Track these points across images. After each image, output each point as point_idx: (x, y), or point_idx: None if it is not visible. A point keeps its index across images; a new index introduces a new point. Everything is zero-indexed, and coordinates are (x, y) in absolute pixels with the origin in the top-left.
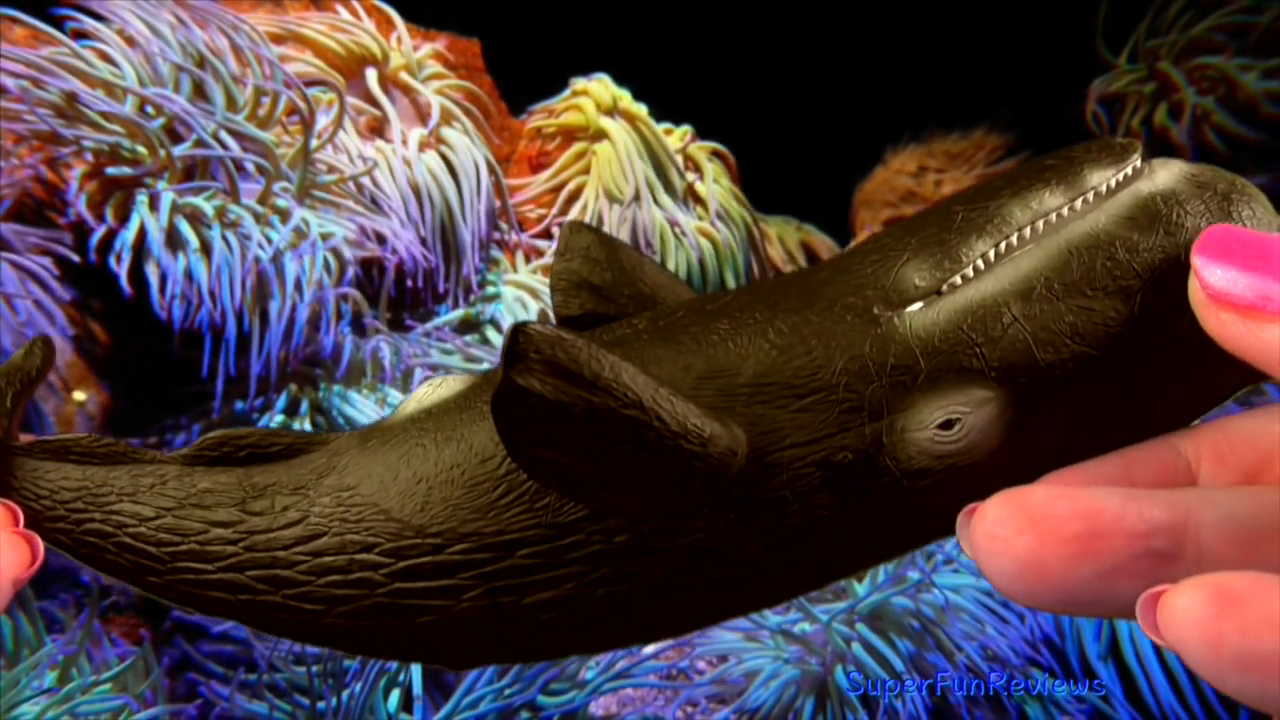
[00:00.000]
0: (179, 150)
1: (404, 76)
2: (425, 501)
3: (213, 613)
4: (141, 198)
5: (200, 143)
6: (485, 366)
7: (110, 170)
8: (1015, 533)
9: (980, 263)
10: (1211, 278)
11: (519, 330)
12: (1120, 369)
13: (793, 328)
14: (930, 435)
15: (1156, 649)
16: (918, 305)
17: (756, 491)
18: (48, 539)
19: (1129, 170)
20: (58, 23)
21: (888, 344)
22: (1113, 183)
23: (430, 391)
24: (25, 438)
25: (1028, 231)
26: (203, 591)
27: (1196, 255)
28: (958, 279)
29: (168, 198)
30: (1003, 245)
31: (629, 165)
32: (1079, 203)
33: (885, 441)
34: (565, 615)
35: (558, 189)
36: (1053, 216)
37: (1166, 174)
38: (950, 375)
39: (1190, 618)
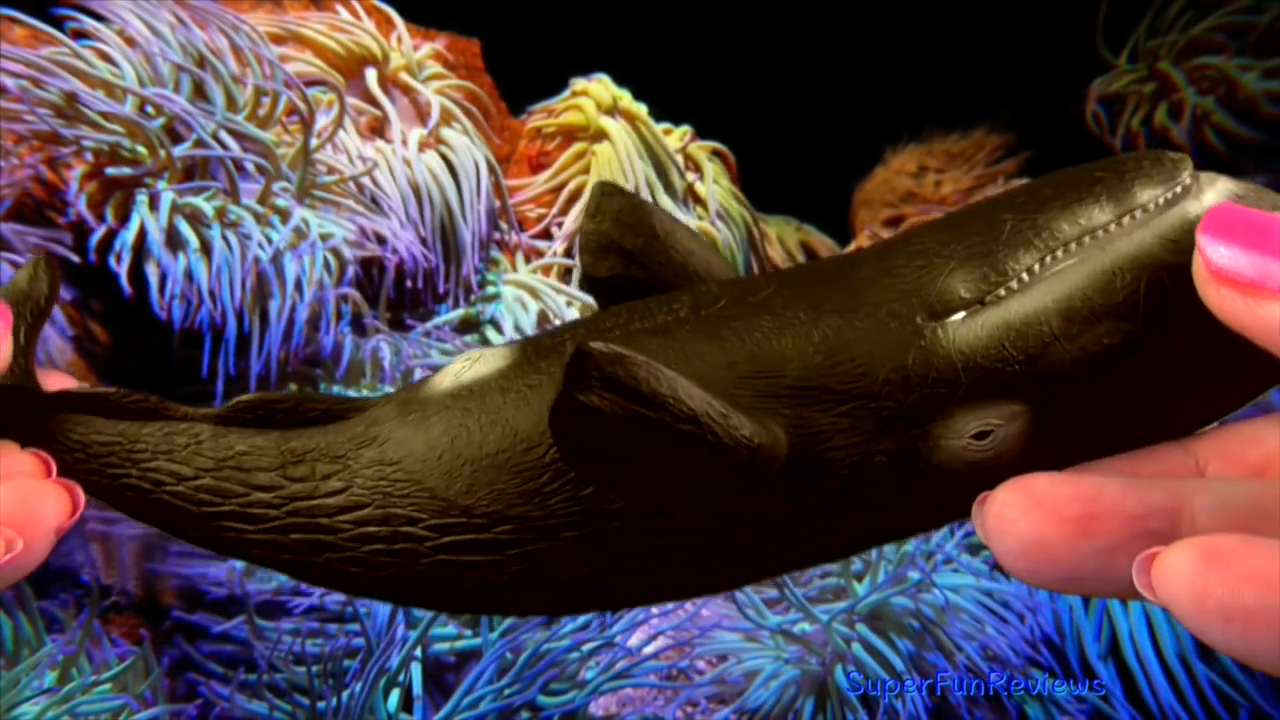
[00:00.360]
0: (179, 150)
1: (404, 76)
2: (470, 484)
3: (256, 564)
4: (141, 198)
5: (200, 143)
6: None
7: (110, 170)
8: (1020, 514)
9: (1025, 275)
10: (1214, 255)
11: (582, 351)
12: (1148, 388)
13: (837, 332)
14: (964, 444)
15: (1156, 649)
16: (960, 315)
17: (792, 487)
18: (86, 489)
19: (1178, 188)
20: (58, 23)
21: (931, 356)
22: (1161, 200)
23: (468, 366)
24: (52, 378)
25: (1074, 246)
26: (245, 549)
27: (1201, 233)
28: (1002, 291)
29: (168, 198)
30: (1048, 259)
31: (629, 165)
32: (1126, 220)
33: (920, 447)
34: (602, 585)
35: (558, 189)
36: (1099, 233)
37: (1213, 194)
38: (989, 390)
39: (1179, 573)
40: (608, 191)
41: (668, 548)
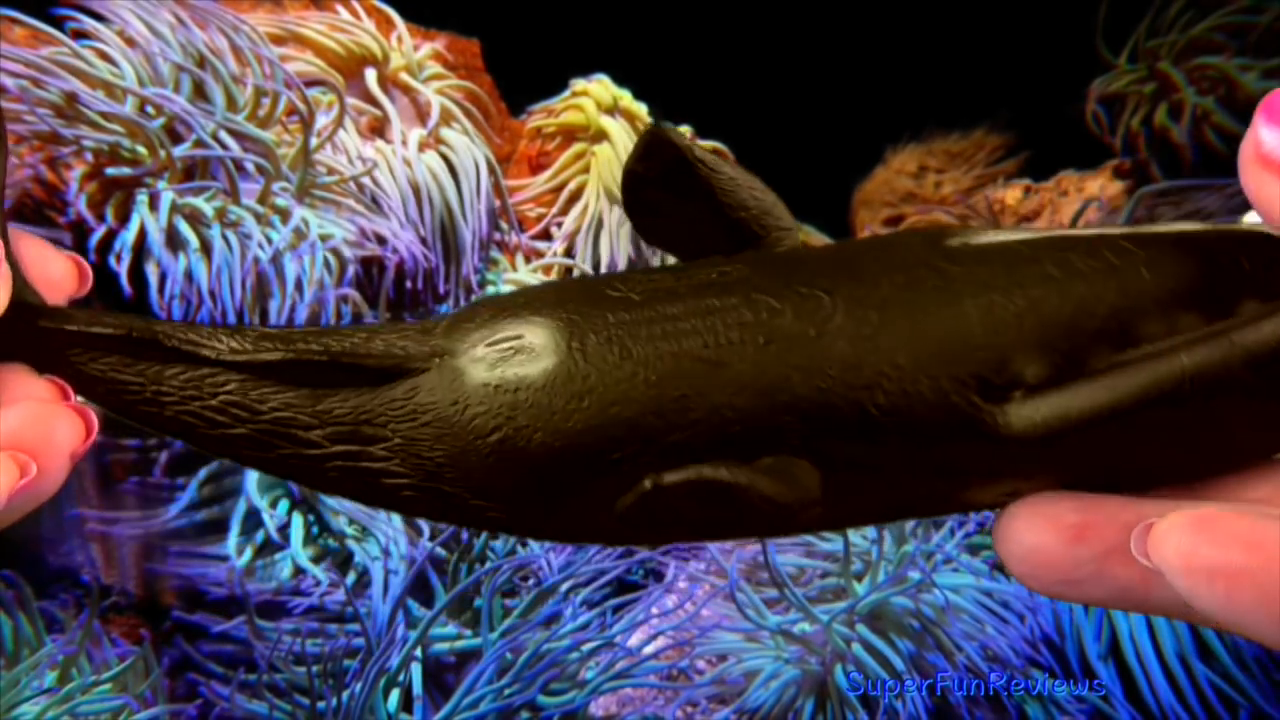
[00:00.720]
0: (179, 150)
1: (404, 76)
2: (518, 487)
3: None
4: (141, 198)
5: (200, 143)
6: None
7: (110, 170)
8: (1025, 524)
9: (1098, 367)
10: (1266, 137)
11: (659, 489)
12: (1177, 461)
13: (898, 397)
14: (995, 501)
15: (1156, 649)
16: (1019, 393)
17: (827, 511)
18: (124, 415)
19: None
20: (58, 23)
21: (984, 436)
22: (1261, 312)
23: (506, 356)
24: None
25: (1158, 346)
26: (295, 482)
27: (1260, 113)
28: (1069, 379)
29: (168, 198)
30: (1126, 355)
31: None
32: (1217, 324)
33: (956, 497)
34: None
35: (558, 189)
36: (1186, 336)
37: None
38: (1031, 469)
39: (1171, 536)
40: (661, 139)
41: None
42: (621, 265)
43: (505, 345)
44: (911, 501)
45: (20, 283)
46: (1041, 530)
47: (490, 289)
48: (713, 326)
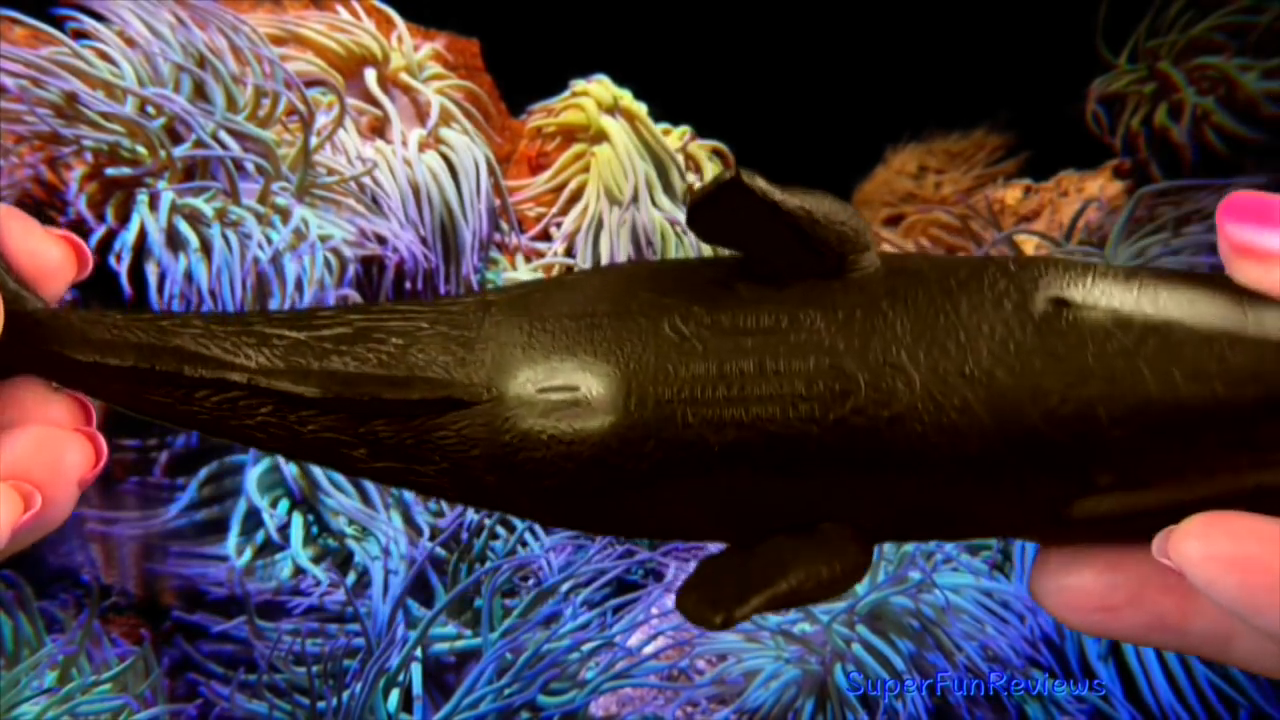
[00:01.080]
0: (179, 150)
1: (404, 76)
2: (569, 512)
3: None
4: (142, 198)
5: (200, 143)
6: None
7: (110, 170)
8: (1061, 563)
9: (1168, 476)
10: (1235, 233)
11: (729, 620)
12: None
13: (965, 489)
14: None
15: (1156, 649)
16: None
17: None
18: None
19: None
20: (58, 23)
21: (1044, 522)
22: None
23: (560, 408)
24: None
25: (1228, 462)
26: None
27: (1221, 215)
28: (1143, 485)
29: (168, 198)
30: (1199, 469)
31: (629, 165)
32: None
33: (993, 536)
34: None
35: (558, 189)
36: (1261, 458)
37: None
38: (1080, 541)
39: (1190, 534)
40: (742, 191)
41: None
42: None
43: (560, 396)
44: (948, 539)
45: (13, 294)
46: (1079, 565)
47: (490, 289)
48: (781, 398)
